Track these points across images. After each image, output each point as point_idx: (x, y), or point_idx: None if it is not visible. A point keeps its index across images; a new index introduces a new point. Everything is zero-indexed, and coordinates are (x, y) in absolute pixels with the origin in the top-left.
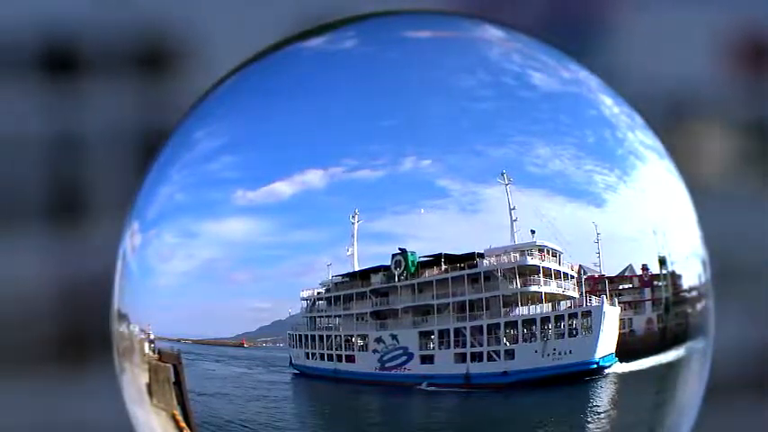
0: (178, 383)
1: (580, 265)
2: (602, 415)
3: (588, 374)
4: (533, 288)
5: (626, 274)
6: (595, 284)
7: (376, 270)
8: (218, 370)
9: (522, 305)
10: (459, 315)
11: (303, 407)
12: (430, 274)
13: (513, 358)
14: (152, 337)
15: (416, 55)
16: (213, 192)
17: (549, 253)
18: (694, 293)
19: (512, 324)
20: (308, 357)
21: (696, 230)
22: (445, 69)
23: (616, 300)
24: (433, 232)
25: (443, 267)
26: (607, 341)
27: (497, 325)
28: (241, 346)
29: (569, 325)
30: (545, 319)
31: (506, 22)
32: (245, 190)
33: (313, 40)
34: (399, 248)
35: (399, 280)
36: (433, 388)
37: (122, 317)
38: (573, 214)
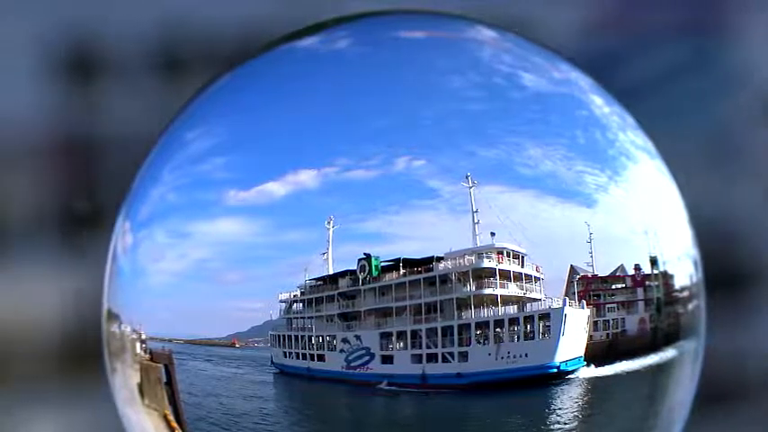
0: (170, 384)
1: (572, 266)
2: (569, 419)
3: (549, 378)
4: (487, 291)
5: (618, 274)
6: (588, 285)
7: (344, 274)
8: (210, 370)
9: (477, 308)
10: (415, 317)
11: (292, 406)
12: (390, 278)
13: (466, 360)
14: (143, 337)
15: (408, 55)
16: (205, 192)
17: (509, 255)
18: (686, 293)
19: (466, 326)
20: (285, 356)
21: (688, 230)
22: (437, 70)
23: (584, 302)
24: (426, 232)
25: (402, 271)
26: (572, 344)
27: (451, 327)
28: (232, 346)
29: (525, 328)
30: (499, 322)
31: (498, 23)
32: (237, 190)
33: (305, 39)
34: (364, 253)
35: (363, 283)
36: (392, 387)
37: (113, 317)
38: (564, 215)
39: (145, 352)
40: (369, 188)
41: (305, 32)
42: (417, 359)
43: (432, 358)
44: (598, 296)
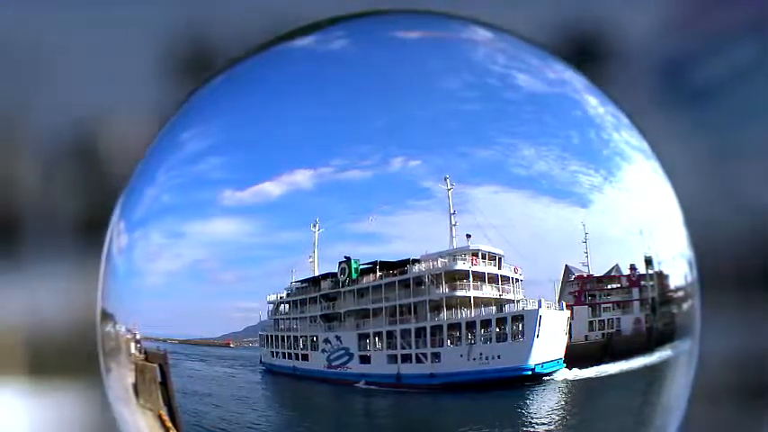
0: (164, 383)
1: (567, 266)
2: (559, 420)
3: (525, 380)
4: (460, 293)
5: (613, 274)
6: (584, 285)
7: (326, 277)
8: (204, 370)
9: (450, 309)
10: (391, 319)
11: (286, 406)
12: (368, 281)
13: (439, 361)
14: (138, 337)
15: (403, 56)
16: (200, 192)
17: (485, 257)
18: (681, 293)
19: (438, 328)
20: (272, 356)
21: (682, 231)
22: (431, 70)
23: (564, 303)
24: (420, 233)
25: (379, 274)
26: (549, 347)
27: (424, 328)
28: (227, 346)
29: (498, 329)
30: (471, 324)
31: (493, 23)
32: (232, 191)
33: (301, 39)
34: (345, 256)
35: (343, 286)
36: (370, 386)
37: (108, 317)
38: (559, 215)
39: (140, 352)
40: (363, 189)
41: (300, 32)
42: (393, 359)
43: (406, 359)
44: (593, 296)
